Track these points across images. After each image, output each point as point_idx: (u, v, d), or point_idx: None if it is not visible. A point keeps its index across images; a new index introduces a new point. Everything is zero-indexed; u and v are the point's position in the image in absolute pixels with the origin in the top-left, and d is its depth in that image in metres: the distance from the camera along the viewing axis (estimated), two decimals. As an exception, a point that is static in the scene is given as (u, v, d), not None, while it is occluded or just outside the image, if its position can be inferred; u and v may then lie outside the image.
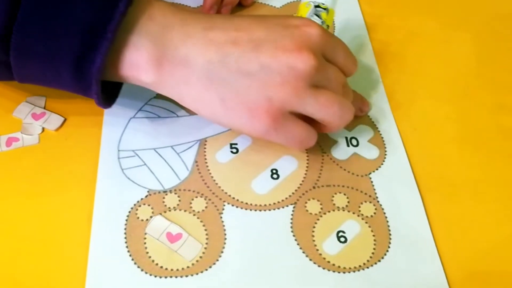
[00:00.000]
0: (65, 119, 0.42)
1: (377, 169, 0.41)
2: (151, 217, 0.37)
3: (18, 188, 0.38)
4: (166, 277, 0.35)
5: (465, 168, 0.42)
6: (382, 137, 0.43)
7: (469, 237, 0.38)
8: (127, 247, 0.36)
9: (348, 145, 0.42)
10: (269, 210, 0.38)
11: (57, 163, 0.39)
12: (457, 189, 0.41)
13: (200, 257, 0.36)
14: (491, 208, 0.40)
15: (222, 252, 0.36)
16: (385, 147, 0.43)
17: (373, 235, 0.38)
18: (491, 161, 0.43)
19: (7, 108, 0.42)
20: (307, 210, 0.39)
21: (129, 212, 0.37)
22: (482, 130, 0.45)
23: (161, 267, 0.35)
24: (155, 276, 0.35)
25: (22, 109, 0.42)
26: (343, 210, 0.39)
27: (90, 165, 0.39)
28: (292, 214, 0.38)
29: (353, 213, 0.39)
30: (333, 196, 0.39)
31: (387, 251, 0.37)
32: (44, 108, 0.42)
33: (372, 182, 0.40)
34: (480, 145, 0.44)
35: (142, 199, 0.38)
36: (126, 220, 0.37)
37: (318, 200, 0.39)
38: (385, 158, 0.42)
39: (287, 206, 0.39)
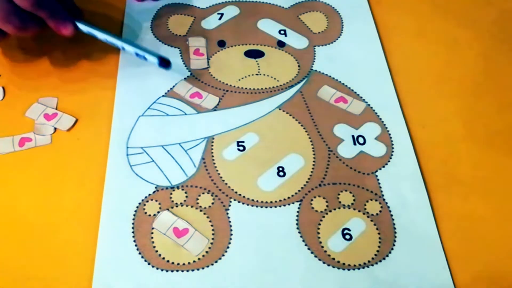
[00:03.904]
0: (77, 120, 0.43)
1: (383, 166, 0.41)
2: (158, 212, 0.38)
3: (30, 187, 0.39)
4: (172, 271, 0.35)
5: (474, 166, 0.42)
6: (390, 134, 0.43)
7: (476, 236, 0.38)
8: (134, 241, 0.36)
9: (354, 144, 0.42)
10: (275, 207, 0.39)
11: (69, 162, 0.40)
12: (466, 187, 0.41)
13: (206, 252, 0.36)
14: (499, 207, 0.40)
15: (228, 247, 0.36)
16: (393, 144, 0.43)
17: (378, 233, 0.38)
18: (500, 159, 0.42)
19: (20, 108, 0.43)
20: (312, 208, 0.39)
21: (137, 207, 0.38)
22: (491, 128, 0.44)
23: (168, 261, 0.36)
24: (162, 270, 0.35)
25: (35, 110, 0.43)
26: (349, 208, 0.39)
27: (101, 163, 0.40)
28: (298, 211, 0.39)
29: (359, 211, 0.39)
30: (339, 194, 0.40)
31: (392, 249, 0.37)
32: (56, 108, 0.43)
33: (378, 180, 0.40)
34: (489, 143, 0.43)
35: (150, 194, 0.39)
36: (134, 215, 0.37)
37: (324, 198, 0.39)
38: (392, 155, 0.42)
39: (293, 203, 0.39)
